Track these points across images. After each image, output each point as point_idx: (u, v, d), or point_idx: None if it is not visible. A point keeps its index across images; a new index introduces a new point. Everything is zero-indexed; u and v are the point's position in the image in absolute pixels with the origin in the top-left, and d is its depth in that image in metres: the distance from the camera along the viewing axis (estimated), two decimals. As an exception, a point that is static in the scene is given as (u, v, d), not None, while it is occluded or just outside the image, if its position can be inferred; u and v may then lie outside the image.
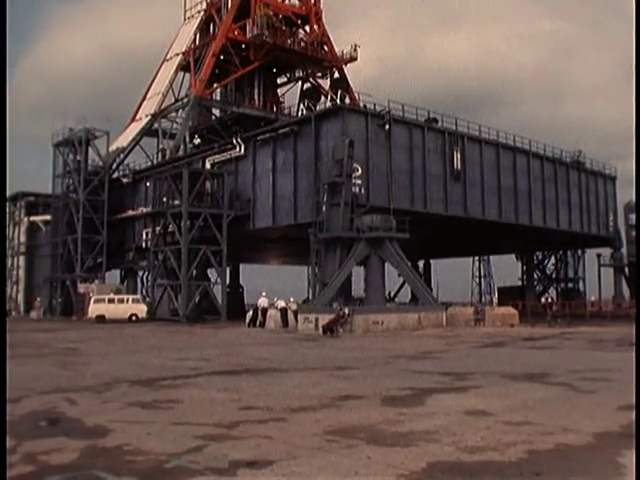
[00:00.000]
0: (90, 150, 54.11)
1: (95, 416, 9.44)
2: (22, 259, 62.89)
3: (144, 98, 60.42)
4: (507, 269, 67.17)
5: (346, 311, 30.49)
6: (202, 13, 61.37)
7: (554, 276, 61.98)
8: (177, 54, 60.48)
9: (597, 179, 56.20)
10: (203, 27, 61.41)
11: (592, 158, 55.31)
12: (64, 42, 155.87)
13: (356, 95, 46.21)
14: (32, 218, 62.38)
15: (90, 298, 46.03)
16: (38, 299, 56.36)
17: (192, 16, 62.56)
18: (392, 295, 49.24)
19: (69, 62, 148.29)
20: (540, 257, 62.64)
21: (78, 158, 53.60)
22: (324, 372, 15.22)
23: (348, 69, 62.49)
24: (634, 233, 56.05)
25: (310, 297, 39.06)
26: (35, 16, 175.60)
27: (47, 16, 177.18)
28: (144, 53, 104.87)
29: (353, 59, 61.44)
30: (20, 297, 62.24)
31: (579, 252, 61.42)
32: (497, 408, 9.93)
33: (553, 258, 62.35)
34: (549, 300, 53.57)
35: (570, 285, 60.86)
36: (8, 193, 63.78)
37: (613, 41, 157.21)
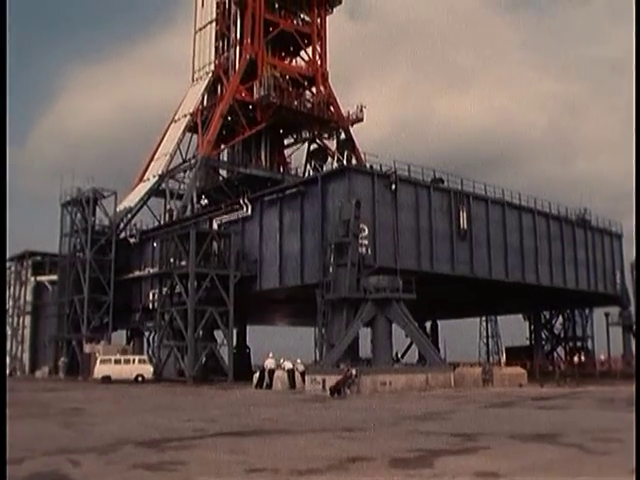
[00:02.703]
0: (98, 210, 54.48)
1: (99, 478, 9.34)
2: (28, 319, 62.75)
3: (152, 158, 61.03)
4: (514, 329, 66.77)
5: (353, 372, 30.28)
6: (210, 75, 62.39)
7: (562, 335, 61.51)
8: (185, 115, 61.28)
9: (603, 237, 56.17)
10: (211, 88, 62.38)
11: (598, 215, 55.44)
12: (80, 104, 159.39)
13: (362, 155, 46.52)
14: (39, 278, 62.39)
15: (96, 358, 45.81)
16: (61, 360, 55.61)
17: (200, 77, 63.58)
18: (399, 356, 48.92)
19: (84, 123, 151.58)
20: (547, 316, 62.25)
21: (86, 218, 53.88)
22: (331, 433, 15.07)
23: (357, 130, 63.30)
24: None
25: (317, 358, 38.78)
26: (54, 79, 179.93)
27: (65, 79, 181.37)
28: (154, 113, 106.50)
29: (359, 120, 62.09)
30: (25, 357, 61.95)
31: (587, 311, 61.06)
32: (507, 470, 9.79)
33: (561, 317, 61.94)
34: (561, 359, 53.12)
35: (579, 344, 60.35)
36: (16, 252, 64.21)
37: (619, 100, 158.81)
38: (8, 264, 66.11)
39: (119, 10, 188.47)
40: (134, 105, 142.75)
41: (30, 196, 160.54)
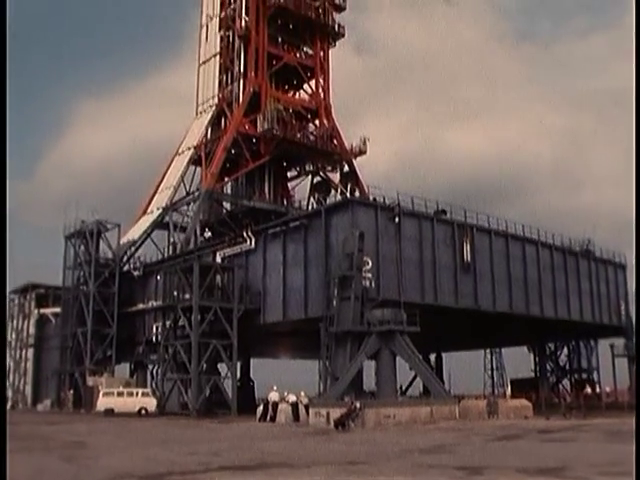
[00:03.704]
0: (101, 242, 54.62)
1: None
2: (30, 351, 62.70)
3: (155, 191, 61.25)
4: (519, 361, 66.47)
5: (357, 405, 30.11)
6: (213, 108, 62.79)
7: (567, 367, 61.18)
8: (189, 148, 61.61)
9: (607, 267, 56.09)
10: (214, 121, 62.69)
11: (602, 246, 55.44)
12: (87, 137, 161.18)
13: (366, 188, 46.66)
14: (42, 310, 62.46)
15: (99, 391, 45.73)
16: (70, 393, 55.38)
17: (204, 110, 63.97)
18: (404, 388, 48.69)
19: (90, 156, 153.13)
20: (552, 348, 61.96)
21: (89, 250, 53.96)
22: (335, 467, 14.97)
23: (362, 163, 63.53)
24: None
25: (321, 391, 38.62)
26: (61, 113, 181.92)
27: (72, 112, 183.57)
28: (160, 146, 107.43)
29: (363, 152, 62.33)
30: (28, 389, 61.84)
31: (592, 342, 60.81)
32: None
33: (566, 349, 61.64)
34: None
35: (584, 376, 60.01)
36: (19, 284, 64.39)
37: (622, 131, 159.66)
38: (11, 296, 66.30)
39: (126, 44, 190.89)
40: (140, 138, 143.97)
41: (35, 228, 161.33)
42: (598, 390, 54.84)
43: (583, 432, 25.64)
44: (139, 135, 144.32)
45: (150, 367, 54.77)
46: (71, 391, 52.33)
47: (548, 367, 61.71)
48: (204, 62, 65.76)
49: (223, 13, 64.99)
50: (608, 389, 56.86)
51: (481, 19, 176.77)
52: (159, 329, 48.78)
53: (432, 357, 66.81)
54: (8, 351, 65.82)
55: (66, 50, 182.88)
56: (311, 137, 60.58)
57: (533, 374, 62.59)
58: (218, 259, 47.05)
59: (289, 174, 65.69)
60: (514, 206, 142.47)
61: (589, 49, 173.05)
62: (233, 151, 59.42)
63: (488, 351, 79.99)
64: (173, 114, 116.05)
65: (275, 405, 36.24)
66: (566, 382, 60.91)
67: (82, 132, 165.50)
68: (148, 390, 47.37)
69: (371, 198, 41.64)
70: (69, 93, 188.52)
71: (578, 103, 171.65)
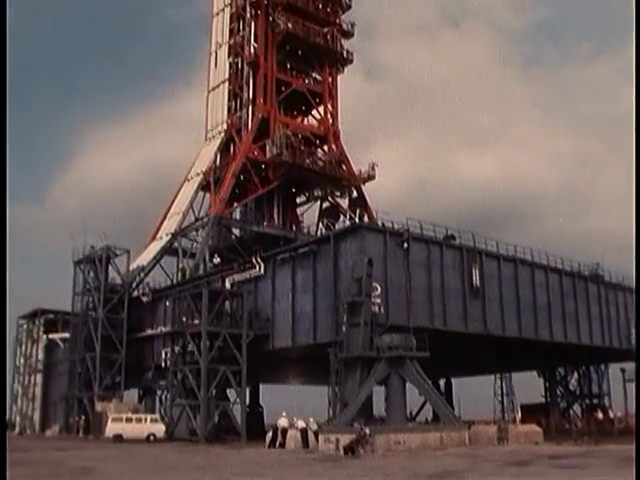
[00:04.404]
0: (110, 268, 54.72)
1: None
2: (39, 377, 62.67)
3: (165, 217, 61.51)
4: (529, 386, 66.14)
5: (367, 431, 30.02)
6: (222, 134, 63.16)
7: (578, 392, 60.83)
8: (198, 174, 61.94)
9: (617, 291, 55.88)
10: (223, 147, 63.05)
11: (611, 270, 55.25)
12: (99, 163, 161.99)
13: (374, 213, 46.76)
14: (51, 336, 62.47)
15: (107, 417, 45.66)
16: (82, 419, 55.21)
17: (213, 136, 64.36)
18: (414, 414, 48.49)
19: (102, 182, 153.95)
20: (562, 373, 61.66)
21: (98, 276, 54.07)
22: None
23: (372, 188, 63.72)
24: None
25: (331, 417, 38.50)
26: (74, 139, 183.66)
27: (84, 138, 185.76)
28: (170, 172, 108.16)
29: (371, 178, 62.52)
30: (36, 415, 61.74)
31: (602, 367, 60.50)
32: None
33: (576, 374, 61.33)
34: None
35: (595, 401, 59.62)
36: (29, 309, 64.52)
37: (629, 155, 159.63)
38: (20, 322, 66.47)
39: (137, 71, 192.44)
40: (151, 164, 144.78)
41: (46, 254, 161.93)
42: (611, 415, 54.37)
43: (595, 458, 25.47)
44: (150, 161, 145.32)
45: (159, 393, 54.66)
46: (83, 417, 52.16)
47: (558, 392, 61.38)
48: (213, 88, 66.26)
49: (232, 40, 65.58)
50: (620, 414, 56.41)
51: (489, 45, 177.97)
52: (168, 355, 48.71)
53: (442, 382, 66.64)
54: (16, 376, 65.89)
55: (79, 77, 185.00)
56: (320, 163, 60.83)
57: (543, 399, 62.26)
58: (227, 285, 47.08)
59: (298, 200, 65.89)
60: (523, 230, 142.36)
61: (595, 74, 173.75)
62: (242, 177, 59.69)
63: (498, 376, 79.58)
64: (184, 140, 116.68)
65: (284, 431, 36.14)
66: (577, 407, 60.56)
67: (93, 158, 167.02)
68: (157, 416, 47.26)
69: (380, 223, 41.73)
70: (81, 120, 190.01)
71: (585, 127, 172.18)
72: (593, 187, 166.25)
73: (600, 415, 53.51)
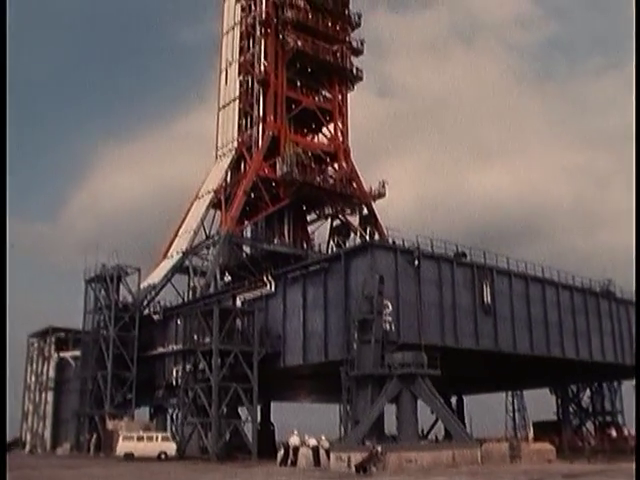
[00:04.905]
0: (121, 286, 54.92)
1: None
2: (50, 395, 62.76)
3: (175, 235, 61.67)
4: (541, 403, 65.81)
5: (379, 449, 29.94)
6: (233, 152, 63.31)
7: (591, 410, 60.43)
8: (208, 192, 62.10)
9: (628, 307, 55.58)
10: (234, 165, 63.16)
11: (623, 286, 54.99)
12: (110, 180, 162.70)
13: (385, 231, 46.79)
14: (62, 354, 62.63)
15: (119, 435, 45.65)
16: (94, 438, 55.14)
17: (224, 154, 64.55)
18: (425, 432, 48.35)
19: (114, 200, 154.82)
20: (575, 390, 61.31)
21: (109, 294, 54.19)
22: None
23: (383, 205, 63.71)
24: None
25: (342, 435, 38.41)
26: (86, 156, 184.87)
27: (97, 156, 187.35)
28: (183, 190, 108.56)
29: (381, 195, 62.51)
30: (47, 433, 61.82)
31: (615, 384, 60.14)
32: None
33: (588, 390, 60.94)
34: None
35: (608, 418, 59.22)
36: (40, 327, 64.79)
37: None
38: (31, 340, 66.71)
39: (151, 90, 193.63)
40: (163, 182, 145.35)
41: (58, 272, 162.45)
42: (625, 433, 54.02)
43: (608, 477, 25.31)
44: (162, 179, 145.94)
45: (170, 411, 54.64)
46: (95, 435, 52.17)
47: (571, 409, 60.95)
48: (224, 106, 66.53)
49: (242, 58, 65.90)
50: (634, 432, 56.01)
51: (499, 60, 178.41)
52: (179, 373, 48.80)
53: (453, 400, 66.39)
54: (27, 394, 66.02)
55: (93, 95, 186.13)
56: (330, 180, 60.85)
57: (556, 416, 61.90)
58: (238, 303, 47.14)
59: (308, 217, 65.91)
60: (535, 247, 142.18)
61: (604, 87, 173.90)
62: (252, 195, 59.84)
63: (509, 393, 79.30)
64: (196, 158, 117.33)
65: (296, 449, 36.05)
66: (590, 425, 60.16)
67: (106, 176, 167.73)
68: (168, 434, 47.24)
69: (390, 241, 41.78)
70: (95, 138, 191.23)
71: (596, 141, 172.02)
72: (604, 202, 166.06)
73: (614, 433, 53.20)
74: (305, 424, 46.18)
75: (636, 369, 52.50)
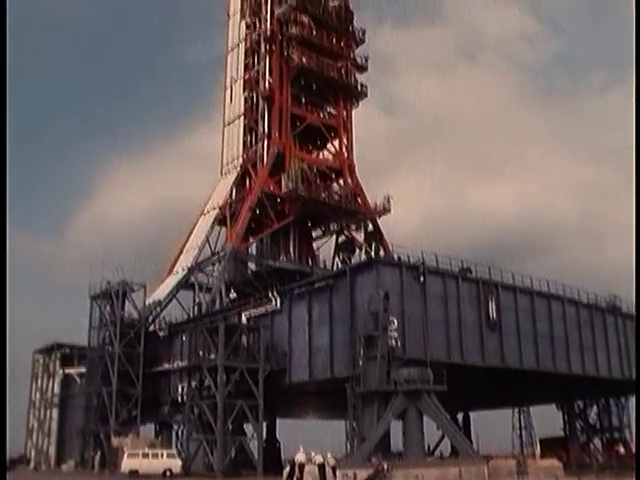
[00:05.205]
0: (127, 303, 54.86)
1: None
2: (55, 411, 62.64)
3: (181, 251, 61.72)
4: (548, 419, 65.51)
5: (385, 466, 29.88)
6: (238, 168, 63.42)
7: (598, 426, 60.06)
8: (214, 208, 62.15)
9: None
10: (239, 181, 63.26)
11: (629, 301, 54.82)
12: (116, 197, 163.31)
13: (390, 247, 46.82)
14: (67, 370, 62.54)
15: (124, 452, 45.48)
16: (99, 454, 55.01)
17: (229, 171, 64.64)
18: (432, 448, 48.17)
19: (120, 216, 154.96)
20: (582, 406, 60.97)
21: (115, 311, 54.15)
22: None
23: (389, 222, 63.76)
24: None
25: (348, 452, 38.30)
26: (93, 174, 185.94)
27: (103, 173, 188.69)
28: (188, 206, 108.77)
29: (386, 211, 62.49)
30: (52, 449, 61.64)
31: (622, 399, 59.78)
32: None
33: (595, 406, 60.57)
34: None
35: (616, 435, 58.83)
36: (45, 344, 64.77)
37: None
38: (36, 356, 66.69)
39: (157, 107, 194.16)
40: (169, 198, 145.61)
41: (63, 288, 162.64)
42: (633, 449, 53.65)
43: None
44: (167, 195, 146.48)
45: (175, 427, 54.51)
46: (99, 452, 52.04)
47: (578, 425, 60.52)
48: (229, 123, 66.69)
49: (247, 75, 66.15)
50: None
51: (504, 77, 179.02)
52: (184, 389, 48.68)
53: (459, 416, 66.17)
54: (32, 411, 65.93)
55: (99, 113, 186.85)
56: (335, 196, 60.90)
57: (563, 433, 61.58)
58: (243, 319, 47.11)
59: (314, 234, 65.90)
60: (540, 262, 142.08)
61: (607, 105, 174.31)
62: (258, 211, 59.84)
63: (516, 409, 79.00)
64: (202, 174, 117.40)
65: (302, 466, 35.83)
66: (597, 441, 59.77)
67: (112, 193, 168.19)
68: (173, 451, 47.07)
69: (396, 257, 41.78)
70: (101, 155, 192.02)
71: (600, 156, 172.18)
72: (609, 217, 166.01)
73: (622, 449, 52.89)
74: (311, 441, 46.04)
75: (636, 384, 52.42)
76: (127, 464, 43.08)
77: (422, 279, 40.07)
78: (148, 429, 56.29)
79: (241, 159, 63.78)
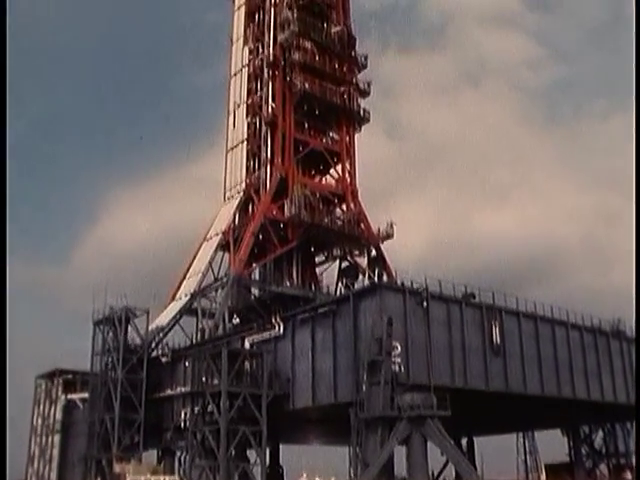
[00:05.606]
0: (130, 328, 54.72)
1: None
2: (57, 437, 62.28)
3: (184, 277, 61.64)
4: (553, 444, 65.13)
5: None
6: (241, 193, 63.44)
7: (604, 451, 59.64)
8: (217, 233, 62.11)
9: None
10: (242, 207, 63.22)
11: (632, 325, 54.61)
12: (121, 222, 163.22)
13: (394, 272, 46.83)
14: (69, 396, 62.26)
15: (126, 478, 45.32)
16: None
17: (232, 196, 64.65)
18: (436, 474, 47.88)
19: (123, 241, 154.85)
20: (587, 431, 60.60)
21: (117, 336, 54.03)
22: None
23: (392, 247, 63.52)
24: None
25: (352, 477, 38.12)
26: (98, 200, 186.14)
27: (108, 200, 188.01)
28: (192, 232, 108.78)
29: (389, 236, 62.37)
30: (53, 476, 61.20)
31: (628, 424, 59.40)
32: None
33: (601, 432, 60.22)
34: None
35: (622, 460, 58.38)
36: (47, 369, 64.53)
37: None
38: (38, 381, 66.42)
39: (162, 133, 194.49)
40: (172, 224, 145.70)
41: (65, 313, 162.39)
42: (630, 477, 53.29)
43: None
44: (170, 221, 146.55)
45: (178, 453, 54.23)
46: (100, 479, 51.73)
47: (583, 451, 60.20)
48: (232, 148, 66.78)
49: (250, 100, 66.35)
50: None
51: (507, 102, 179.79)
52: (187, 415, 48.50)
53: (464, 441, 65.83)
54: (33, 437, 65.57)
55: (104, 138, 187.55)
56: (338, 222, 60.85)
57: (568, 458, 61.18)
58: (247, 345, 47.06)
59: (317, 259, 65.66)
60: (545, 286, 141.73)
61: (608, 131, 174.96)
62: (261, 236, 59.82)
63: (520, 434, 78.57)
64: (206, 200, 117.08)
65: (305, 493, 35.80)
66: (603, 466, 59.33)
67: (116, 218, 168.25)
68: (176, 477, 46.98)
69: (399, 282, 41.78)
70: (106, 181, 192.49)
71: (604, 182, 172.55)
72: (613, 241, 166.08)
73: (629, 475, 52.53)
74: (314, 467, 45.89)
75: (636, 408, 52.19)
76: (129, 490, 42.96)
77: (425, 304, 40.07)
78: (151, 455, 55.93)
79: (244, 184, 63.76)
